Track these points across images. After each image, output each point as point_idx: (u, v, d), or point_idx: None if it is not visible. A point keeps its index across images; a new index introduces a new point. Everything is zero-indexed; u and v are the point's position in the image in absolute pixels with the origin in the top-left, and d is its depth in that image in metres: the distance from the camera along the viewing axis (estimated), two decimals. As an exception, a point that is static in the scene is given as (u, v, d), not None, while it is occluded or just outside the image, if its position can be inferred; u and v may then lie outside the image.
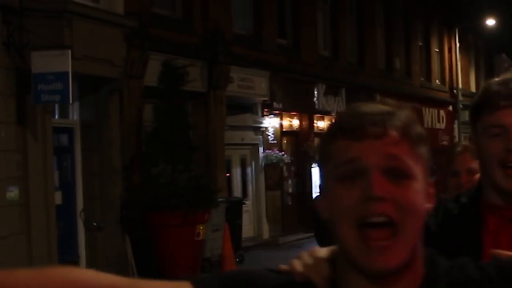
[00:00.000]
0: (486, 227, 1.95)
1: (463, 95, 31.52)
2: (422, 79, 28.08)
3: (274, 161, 17.64)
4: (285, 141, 19.08)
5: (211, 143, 15.13)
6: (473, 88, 34.89)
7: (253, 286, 1.33)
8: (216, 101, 15.52)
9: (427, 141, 1.34)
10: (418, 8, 27.49)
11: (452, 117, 30.69)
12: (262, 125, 17.68)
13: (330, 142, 1.31)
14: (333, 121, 1.36)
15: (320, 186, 1.37)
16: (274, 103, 17.99)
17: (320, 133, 20.41)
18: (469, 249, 1.88)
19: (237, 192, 17.19)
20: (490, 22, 32.60)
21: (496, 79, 2.05)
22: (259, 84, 17.25)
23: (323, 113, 20.32)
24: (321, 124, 20.39)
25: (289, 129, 19.08)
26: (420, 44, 28.13)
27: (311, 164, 19.57)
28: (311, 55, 19.86)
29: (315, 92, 19.90)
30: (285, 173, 18.86)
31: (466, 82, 33.13)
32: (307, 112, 19.69)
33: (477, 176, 2.75)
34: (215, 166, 15.05)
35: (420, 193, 1.28)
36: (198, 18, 15.48)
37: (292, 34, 19.46)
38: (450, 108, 30.63)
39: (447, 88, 30.76)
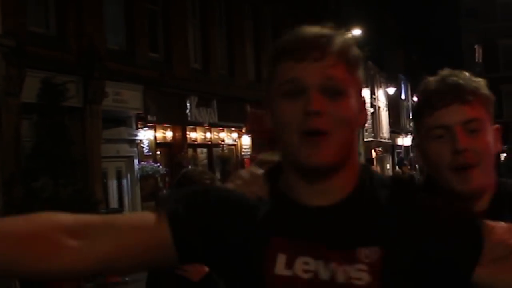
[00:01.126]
0: None
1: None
2: (291, 88, 30.07)
3: (149, 172, 18.96)
4: (159, 153, 20.42)
5: (89, 156, 16.28)
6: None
7: (227, 204, 1.60)
8: (92, 116, 16.70)
9: (362, 63, 1.57)
10: (286, 20, 29.46)
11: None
12: (136, 138, 18.97)
13: (274, 63, 1.57)
14: (277, 43, 1.59)
15: (264, 100, 1.64)
16: (148, 116, 19.32)
17: (193, 144, 21.96)
18: None
19: (114, 203, 18.38)
20: (356, 32, 35.20)
21: (433, 77, 2.02)
22: (133, 98, 18.55)
23: (196, 125, 21.86)
24: (194, 135, 21.91)
25: (163, 141, 20.46)
26: (288, 54, 30.13)
27: (185, 175, 21.01)
28: (182, 69, 21.33)
29: (188, 105, 21.37)
30: (160, 184, 20.19)
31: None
32: (180, 124, 21.12)
33: None
34: (92, 178, 16.21)
35: (353, 108, 1.53)
36: (72, 36, 16.62)
37: (164, 49, 20.88)
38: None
39: (315, 97, 32.98)
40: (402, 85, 71.38)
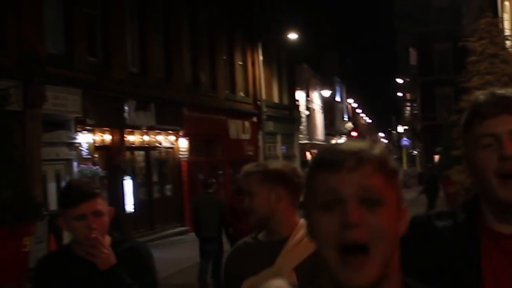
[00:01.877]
0: (486, 257, 1.97)
1: (266, 106, 34.90)
2: (227, 92, 30.99)
3: (88, 175, 19.49)
4: (98, 156, 20.97)
5: (28, 159, 16.77)
6: (276, 99, 38.52)
7: None
8: (32, 119, 17.21)
9: (400, 174, 1.57)
10: (222, 24, 30.33)
11: (256, 127, 33.93)
12: (75, 141, 19.50)
13: (312, 174, 1.54)
14: (315, 156, 1.59)
15: (304, 213, 1.61)
16: (87, 120, 19.87)
17: (131, 147, 22.55)
18: (468, 277, 1.96)
19: (53, 205, 18.87)
20: (292, 36, 36.26)
21: (482, 92, 2.08)
22: (72, 102, 19.08)
23: (134, 128, 22.49)
24: (132, 138, 22.52)
25: (102, 144, 21.02)
26: (225, 58, 31.02)
27: (123, 177, 21.63)
28: (121, 73, 21.92)
29: (126, 108, 21.96)
30: (99, 187, 20.71)
31: (269, 93, 36.58)
32: (118, 127, 21.70)
33: None
34: (32, 181, 16.71)
35: (392, 218, 1.50)
36: (12, 40, 17.10)
37: (103, 53, 21.44)
38: (255, 119, 33.86)
39: (251, 99, 33.94)
40: (337, 88, 72.98)
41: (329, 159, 1.52)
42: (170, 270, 16.32)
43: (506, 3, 26.68)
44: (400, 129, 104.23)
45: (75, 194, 3.30)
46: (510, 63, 12.50)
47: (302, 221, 3.16)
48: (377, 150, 1.55)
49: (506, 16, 26.90)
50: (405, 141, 75.78)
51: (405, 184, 54.60)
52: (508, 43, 12.95)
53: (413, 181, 56.69)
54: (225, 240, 12.89)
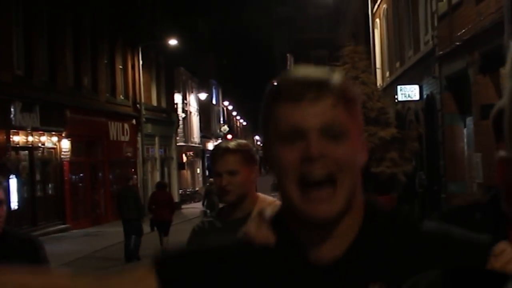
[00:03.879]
0: None
1: (145, 109, 36.96)
2: (107, 95, 32.88)
3: (-23, 173, 21.11)
4: (-15, 155, 22.50)
5: None
6: (154, 102, 40.60)
7: (218, 256, 1.55)
8: None
9: (360, 101, 1.55)
10: (104, 29, 32.23)
11: (135, 129, 35.93)
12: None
13: (271, 105, 1.49)
14: (273, 84, 1.51)
15: (262, 144, 1.55)
16: (-25, 120, 21.43)
17: (16, 147, 24.19)
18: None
19: None
20: (172, 41, 38.45)
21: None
22: (-38, 103, 20.61)
23: (20, 129, 24.13)
24: (17, 138, 24.15)
25: (-11, 144, 22.57)
26: (106, 62, 32.92)
27: (9, 176, 23.28)
28: (6, 75, 23.49)
29: (12, 110, 23.58)
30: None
31: (148, 96, 38.64)
32: (4, 128, 23.28)
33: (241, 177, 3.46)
34: None
35: (355, 149, 1.46)
36: None
37: (-10, 56, 22.98)
38: (134, 121, 35.86)
39: (130, 102, 35.95)
40: (214, 90, 75.41)
41: (289, 89, 1.46)
42: (54, 265, 18.12)
43: (377, 20, 29.88)
44: None
45: None
46: (368, 84, 15.13)
47: (261, 195, 3.65)
48: (337, 79, 1.49)
49: (376, 32, 30.11)
50: None
51: None
52: (369, 65, 15.58)
53: None
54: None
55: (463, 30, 15.53)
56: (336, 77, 1.50)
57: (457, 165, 17.74)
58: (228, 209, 3.58)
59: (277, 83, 1.51)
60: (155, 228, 18.83)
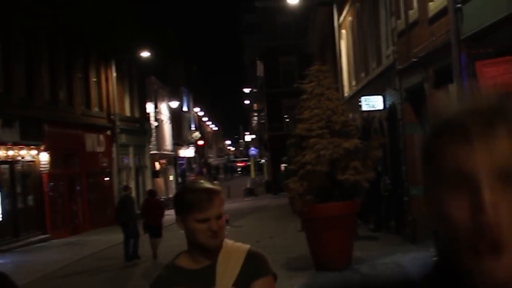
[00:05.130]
0: None
1: (119, 120, 38.27)
2: (83, 107, 34.16)
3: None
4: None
5: None
6: (128, 113, 41.89)
7: None
8: None
9: None
10: (78, 43, 33.52)
11: (110, 140, 37.24)
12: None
13: (433, 140, 1.21)
14: (439, 115, 1.24)
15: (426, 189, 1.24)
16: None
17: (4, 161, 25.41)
18: None
19: None
20: (145, 54, 39.79)
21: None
22: None
23: (1, 144, 25.35)
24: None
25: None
26: (80, 76, 34.21)
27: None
28: (-13, 92, 24.76)
29: (-7, 126, 24.83)
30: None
31: (121, 107, 39.96)
32: (-14, 143, 24.54)
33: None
34: None
35: None
36: None
37: (-28, 75, 24.23)
38: (109, 132, 37.17)
39: (105, 114, 37.25)
40: (184, 97, 76.63)
41: (455, 122, 1.18)
42: (38, 274, 19.24)
43: (343, 31, 31.41)
44: (248, 138, 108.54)
45: None
46: (333, 99, 16.53)
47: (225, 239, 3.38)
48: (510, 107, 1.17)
49: (343, 43, 31.66)
50: (252, 150, 79.94)
51: (253, 192, 58.86)
52: (332, 83, 16.98)
53: (261, 189, 60.92)
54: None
55: (419, 48, 17.06)
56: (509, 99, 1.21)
57: (417, 170, 19.30)
58: (197, 257, 3.31)
59: (443, 114, 1.22)
60: (148, 231, 20.91)
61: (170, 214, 34.15)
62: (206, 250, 3.28)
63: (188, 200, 3.26)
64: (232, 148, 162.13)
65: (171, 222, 26.10)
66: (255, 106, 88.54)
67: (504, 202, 1.10)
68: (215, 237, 3.25)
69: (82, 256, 22.68)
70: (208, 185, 3.30)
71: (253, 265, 3.31)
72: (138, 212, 23.07)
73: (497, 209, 1.10)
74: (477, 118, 1.16)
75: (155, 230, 20.52)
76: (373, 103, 22.44)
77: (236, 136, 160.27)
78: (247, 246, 3.43)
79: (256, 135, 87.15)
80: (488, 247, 1.10)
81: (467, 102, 1.22)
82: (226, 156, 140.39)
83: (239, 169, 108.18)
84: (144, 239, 20.47)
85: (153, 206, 20.87)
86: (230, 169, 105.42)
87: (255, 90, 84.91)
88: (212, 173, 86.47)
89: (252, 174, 71.37)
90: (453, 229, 1.14)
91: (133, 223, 19.92)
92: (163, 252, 18.65)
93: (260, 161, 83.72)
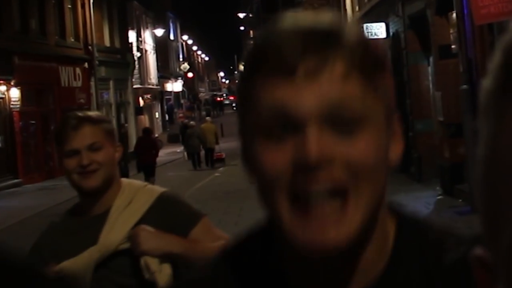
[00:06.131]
0: None
1: (98, 51, 38.45)
2: (57, 37, 34.43)
3: None
4: None
5: None
6: (107, 43, 42.07)
7: None
8: None
9: (387, 66, 1.15)
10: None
11: (88, 74, 37.56)
12: None
13: (249, 80, 1.12)
14: (255, 46, 1.15)
15: (239, 136, 1.20)
16: None
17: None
18: None
19: None
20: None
21: None
22: None
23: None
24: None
25: None
26: (53, 2, 34.34)
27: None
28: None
29: (-42, 59, 25.21)
30: None
31: (100, 37, 40.09)
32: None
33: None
34: None
35: (379, 142, 1.11)
36: None
37: None
38: (86, 65, 37.46)
39: (82, 45, 37.49)
40: (171, 25, 76.35)
41: (278, 56, 1.08)
42: (12, 220, 19.81)
43: None
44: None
45: None
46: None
47: (125, 181, 3.18)
48: (349, 33, 1.10)
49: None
50: None
51: None
52: None
53: None
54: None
55: (422, -30, 17.49)
56: (347, 26, 1.12)
57: (422, 103, 19.83)
58: (86, 203, 3.07)
59: (260, 43, 1.14)
60: (142, 170, 22.70)
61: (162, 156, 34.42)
62: (85, 194, 3.02)
63: (56, 131, 3.14)
64: (227, 81, 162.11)
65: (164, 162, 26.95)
66: (251, 33, 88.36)
67: (330, 145, 1.07)
68: (87, 175, 2.96)
69: (59, 202, 23.24)
70: (89, 113, 3.10)
71: (169, 214, 3.06)
72: (131, 151, 24.01)
73: (323, 151, 1.06)
74: (307, 50, 1.08)
75: (149, 168, 22.08)
76: (375, 31, 22.81)
77: (231, 67, 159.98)
78: (160, 189, 3.20)
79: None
80: (307, 190, 1.08)
81: (292, 22, 1.12)
82: (224, 90, 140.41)
83: (233, 104, 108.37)
84: (140, 178, 21.29)
85: (148, 145, 22.48)
86: (218, 105, 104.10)
87: (250, 15, 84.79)
88: (206, 108, 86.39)
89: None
90: (271, 179, 1.10)
91: (124, 163, 20.92)
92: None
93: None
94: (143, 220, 3.01)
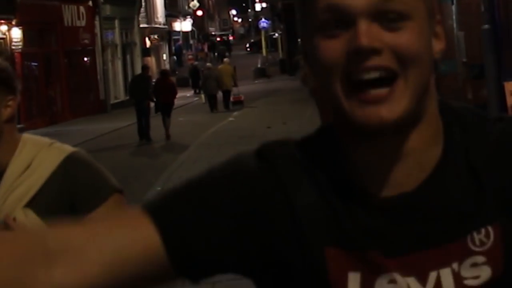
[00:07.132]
0: None
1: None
2: (59, -27, 34.98)
3: None
4: None
5: None
6: (111, -21, 42.54)
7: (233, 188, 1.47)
8: None
9: None
10: None
11: (92, 12, 38.15)
12: None
13: None
14: None
15: (301, 38, 1.48)
16: None
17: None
18: None
19: None
20: None
21: None
22: None
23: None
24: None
25: None
26: None
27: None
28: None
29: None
30: None
31: (104, -28, 40.51)
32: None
33: None
34: None
35: (422, 36, 1.35)
36: None
37: None
38: (90, 3, 37.95)
39: (85, -20, 38.00)
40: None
41: None
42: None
43: None
44: (258, 7, 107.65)
45: None
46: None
47: (26, 136, 2.95)
48: None
49: None
50: (264, 23, 79.44)
51: (265, 73, 59.28)
52: None
53: (274, 70, 60.64)
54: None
55: None
56: None
57: (448, 40, 20.92)
58: None
59: None
60: (159, 110, 25.01)
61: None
62: None
63: None
64: (239, 20, 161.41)
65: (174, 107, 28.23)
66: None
67: (379, 36, 1.32)
68: None
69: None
70: None
71: (74, 182, 2.82)
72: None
73: (373, 40, 1.31)
74: None
75: (167, 109, 24.50)
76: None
77: (243, 5, 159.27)
78: (70, 149, 2.92)
79: (267, 4, 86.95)
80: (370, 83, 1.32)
81: None
82: (240, 28, 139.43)
83: (247, 46, 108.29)
84: (157, 120, 24.53)
85: (166, 88, 24.68)
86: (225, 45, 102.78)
87: None
88: (221, 48, 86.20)
89: (264, 51, 70.59)
90: (329, 67, 1.35)
91: (147, 102, 24.22)
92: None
93: (273, 35, 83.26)
94: (44, 189, 2.79)
